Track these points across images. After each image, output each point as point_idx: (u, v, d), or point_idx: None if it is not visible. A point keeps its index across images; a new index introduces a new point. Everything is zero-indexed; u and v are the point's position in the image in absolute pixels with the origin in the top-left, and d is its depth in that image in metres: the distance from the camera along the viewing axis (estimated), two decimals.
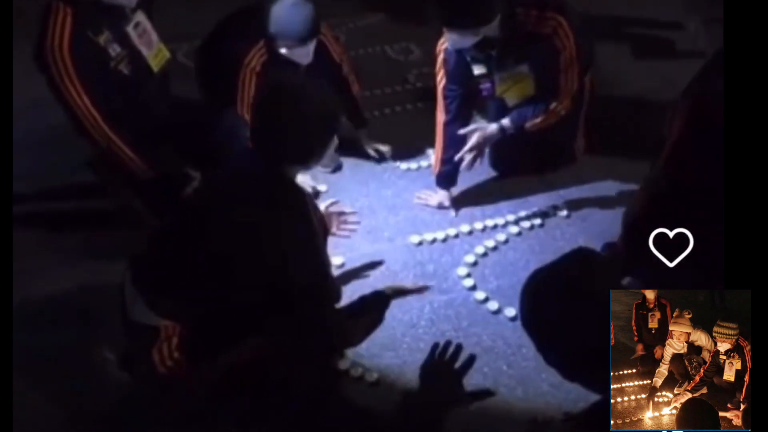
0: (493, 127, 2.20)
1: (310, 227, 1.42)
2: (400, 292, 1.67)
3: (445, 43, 2.18)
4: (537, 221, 2.27)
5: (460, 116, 2.27)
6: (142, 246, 1.52)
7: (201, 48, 2.38)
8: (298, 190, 1.46)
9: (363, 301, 1.60)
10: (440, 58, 2.25)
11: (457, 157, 2.23)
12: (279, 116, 1.39)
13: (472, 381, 1.67)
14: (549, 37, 2.04)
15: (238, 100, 2.17)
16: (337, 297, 1.58)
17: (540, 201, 2.35)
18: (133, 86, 2.04)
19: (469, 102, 2.30)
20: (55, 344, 1.83)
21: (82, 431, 1.65)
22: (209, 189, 1.52)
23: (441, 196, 2.33)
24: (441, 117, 2.29)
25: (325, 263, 1.52)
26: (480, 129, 2.21)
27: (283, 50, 2.12)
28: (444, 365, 1.30)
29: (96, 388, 1.70)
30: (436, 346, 1.34)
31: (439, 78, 2.28)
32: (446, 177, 2.32)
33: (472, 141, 2.20)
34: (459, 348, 1.33)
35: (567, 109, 2.17)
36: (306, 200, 1.44)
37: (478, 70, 2.18)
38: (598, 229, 2.19)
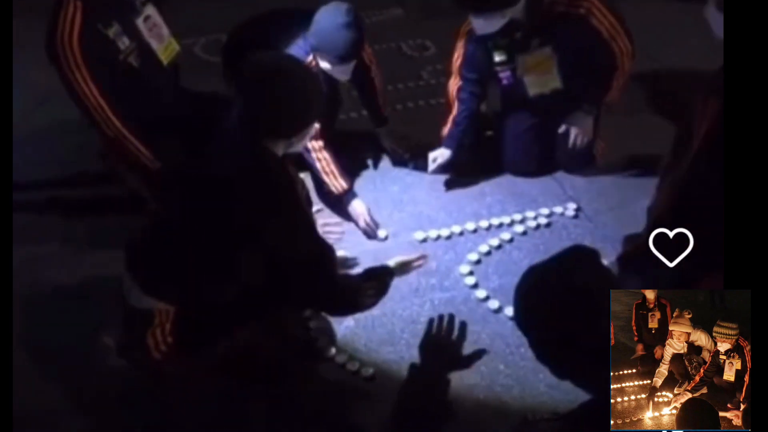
0: (578, 115, 2.29)
1: (298, 197, 1.47)
2: (404, 266, 1.75)
3: (468, 26, 2.22)
4: (543, 221, 2.28)
5: (474, 91, 2.35)
6: (136, 231, 1.59)
7: (234, 44, 2.40)
8: (284, 165, 1.50)
9: (369, 270, 1.69)
10: (461, 41, 2.29)
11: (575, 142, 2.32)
12: (267, 91, 1.43)
13: (468, 380, 1.71)
14: (584, 17, 2.08)
15: None
16: (335, 258, 1.63)
17: (548, 200, 2.37)
18: (142, 79, 2.07)
19: (484, 84, 2.36)
20: (65, 331, 1.88)
21: (85, 421, 1.69)
22: (197, 168, 1.56)
23: (439, 152, 2.40)
24: (454, 85, 2.36)
25: (315, 229, 1.57)
26: (572, 127, 2.29)
27: (323, 64, 2.13)
28: (441, 338, 1.44)
29: (100, 377, 1.74)
30: (431, 321, 1.44)
31: (455, 57, 2.33)
32: (454, 137, 2.40)
33: (574, 136, 2.30)
34: (452, 318, 1.44)
35: (630, 67, 2.22)
36: (291, 174, 1.49)
37: (498, 56, 2.22)
38: (605, 230, 2.20)
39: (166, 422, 1.64)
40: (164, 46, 2.15)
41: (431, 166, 2.42)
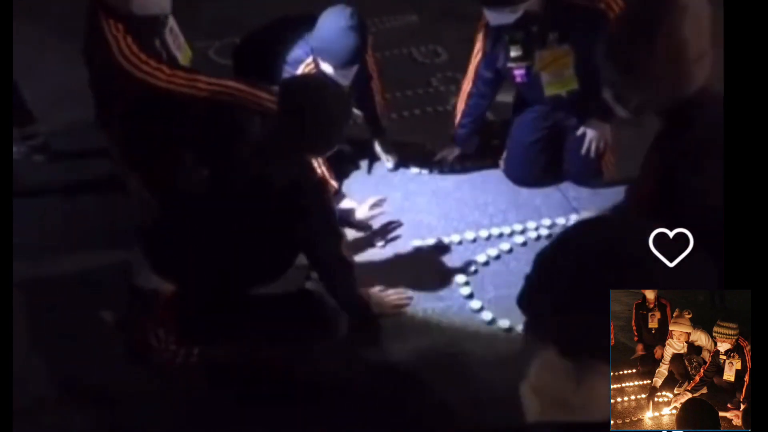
0: (593, 121, 2.35)
1: (329, 198, 1.70)
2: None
3: (486, 20, 2.28)
4: (545, 232, 2.32)
5: (485, 94, 2.44)
6: (153, 215, 1.75)
7: (244, 48, 2.49)
8: (319, 174, 1.73)
9: None
10: (480, 34, 2.36)
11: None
12: (312, 118, 1.64)
13: (459, 392, 1.74)
14: (603, 13, 2.11)
15: None
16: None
17: (551, 211, 2.41)
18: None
19: (497, 85, 2.44)
20: (64, 327, 1.95)
21: (85, 418, 1.74)
22: (234, 170, 1.69)
23: (450, 149, 2.56)
24: (467, 87, 2.45)
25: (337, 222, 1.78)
26: (588, 130, 2.35)
27: (325, 67, 2.19)
28: None
29: (100, 374, 1.80)
30: None
31: (475, 51, 2.40)
32: (460, 137, 2.54)
33: (588, 141, 2.36)
34: None
35: None
36: (323, 178, 1.71)
37: (514, 51, 2.26)
38: None
39: (165, 420, 1.68)
40: (182, 54, 2.23)
41: (444, 163, 2.57)
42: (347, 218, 2.27)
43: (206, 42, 3.42)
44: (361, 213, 2.22)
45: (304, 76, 2.13)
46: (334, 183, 2.32)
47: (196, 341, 1.59)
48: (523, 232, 2.32)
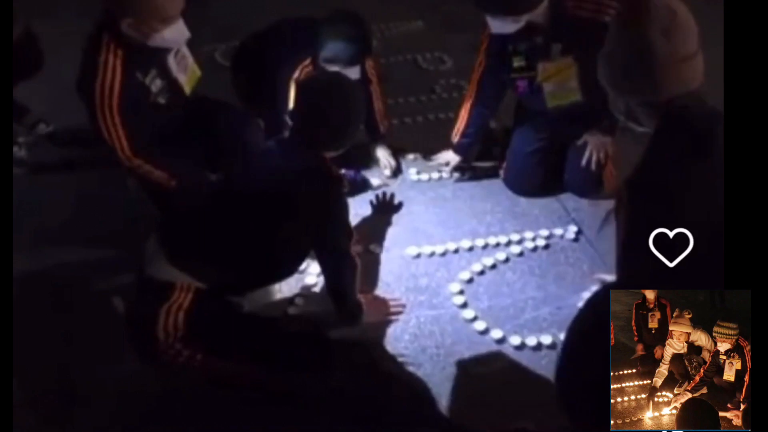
0: (595, 133, 2.38)
1: (342, 193, 1.78)
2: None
3: (490, 29, 2.30)
4: (542, 242, 2.34)
5: (488, 104, 2.48)
6: (170, 210, 1.82)
7: (242, 52, 2.53)
8: (331, 166, 1.77)
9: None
10: (483, 45, 2.41)
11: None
12: (326, 117, 1.71)
13: (446, 403, 1.76)
14: (608, 25, 2.13)
15: (282, 109, 2.30)
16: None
17: (549, 221, 2.44)
18: (165, 113, 2.17)
19: (500, 95, 2.48)
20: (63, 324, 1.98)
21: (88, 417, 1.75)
22: (252, 167, 1.78)
23: (451, 155, 2.60)
24: (470, 99, 2.49)
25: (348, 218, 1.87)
26: (590, 141, 2.38)
27: (333, 69, 2.24)
28: None
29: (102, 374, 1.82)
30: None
31: (477, 63, 2.45)
32: (463, 147, 2.58)
33: (589, 152, 2.40)
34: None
35: None
36: (337, 173, 1.76)
37: (517, 62, 2.30)
38: (607, 256, 2.24)
39: (165, 420, 1.70)
40: (188, 76, 2.24)
41: (444, 169, 2.62)
42: None
43: (212, 45, 3.50)
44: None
45: (320, 75, 2.20)
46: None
47: (202, 345, 1.58)
48: (520, 242, 2.35)
